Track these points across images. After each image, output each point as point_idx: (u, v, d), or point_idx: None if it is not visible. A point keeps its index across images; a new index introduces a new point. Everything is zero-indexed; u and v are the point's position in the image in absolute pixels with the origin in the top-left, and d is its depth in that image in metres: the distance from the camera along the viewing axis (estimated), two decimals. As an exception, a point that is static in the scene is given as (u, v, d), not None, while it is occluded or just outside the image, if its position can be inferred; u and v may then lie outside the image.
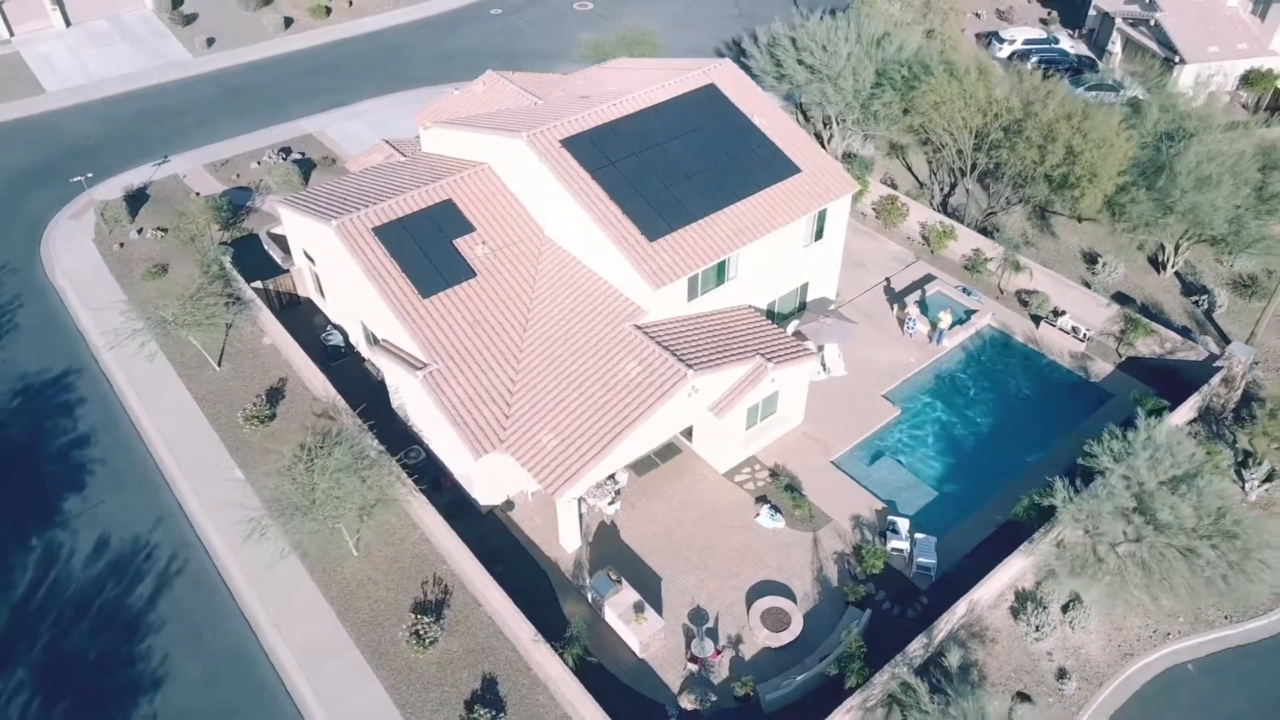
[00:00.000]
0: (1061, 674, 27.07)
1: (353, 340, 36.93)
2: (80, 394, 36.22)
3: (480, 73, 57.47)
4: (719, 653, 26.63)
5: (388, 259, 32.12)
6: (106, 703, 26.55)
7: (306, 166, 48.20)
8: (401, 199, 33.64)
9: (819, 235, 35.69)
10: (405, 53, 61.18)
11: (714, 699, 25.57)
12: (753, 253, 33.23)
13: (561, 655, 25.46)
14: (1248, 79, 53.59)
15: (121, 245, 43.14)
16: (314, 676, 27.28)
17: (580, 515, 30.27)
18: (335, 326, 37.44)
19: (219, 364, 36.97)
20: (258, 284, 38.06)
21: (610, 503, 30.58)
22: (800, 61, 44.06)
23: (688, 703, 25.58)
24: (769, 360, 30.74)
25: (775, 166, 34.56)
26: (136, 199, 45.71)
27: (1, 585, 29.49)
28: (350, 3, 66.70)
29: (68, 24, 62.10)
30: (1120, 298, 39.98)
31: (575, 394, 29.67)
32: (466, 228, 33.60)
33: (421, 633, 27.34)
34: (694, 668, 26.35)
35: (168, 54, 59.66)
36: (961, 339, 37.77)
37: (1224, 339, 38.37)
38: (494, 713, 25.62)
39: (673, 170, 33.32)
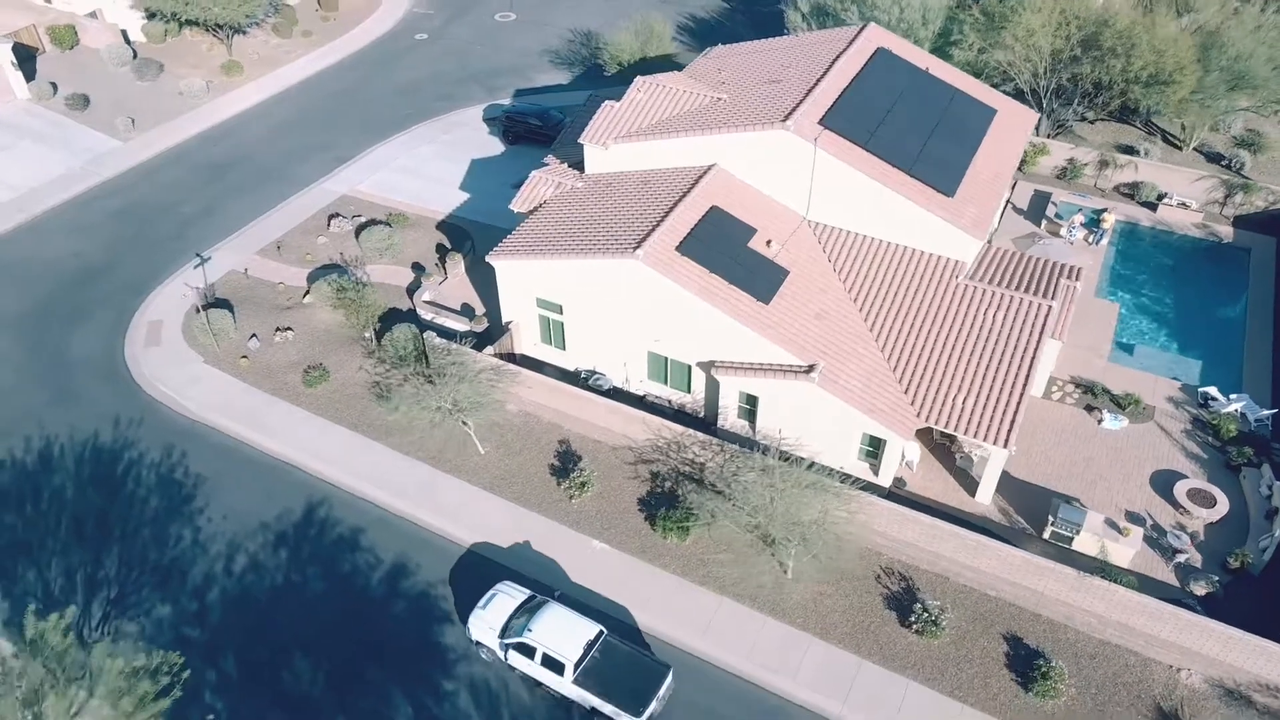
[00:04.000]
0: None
1: (619, 380, 34.49)
2: (351, 523, 30.89)
3: (457, 99, 54.80)
4: (1192, 542, 28.88)
5: (710, 275, 30.59)
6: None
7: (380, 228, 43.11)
8: (674, 216, 31.94)
9: (1011, 167, 38.45)
10: (360, 94, 55.83)
11: (1216, 579, 27.86)
12: (997, 191, 35.29)
13: (1119, 582, 26.47)
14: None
15: (246, 358, 36.62)
16: (847, 700, 26.21)
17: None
18: (590, 371, 34.75)
19: (481, 447, 33.05)
20: (490, 349, 34.27)
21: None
22: (865, 18, 46.22)
23: (1199, 590, 27.64)
24: (1071, 280, 33.11)
25: (979, 111, 36.75)
26: (217, 305, 38.79)
27: (464, 744, 25.19)
28: (257, 54, 59.33)
29: (-77, 136, 50.09)
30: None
31: (955, 355, 30.30)
32: (748, 229, 32.64)
33: (934, 618, 27.10)
34: (1181, 559, 28.41)
35: (90, 145, 50.05)
36: (1108, 237, 42.30)
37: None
38: (1044, 660, 26.18)
39: (914, 131, 34.42)
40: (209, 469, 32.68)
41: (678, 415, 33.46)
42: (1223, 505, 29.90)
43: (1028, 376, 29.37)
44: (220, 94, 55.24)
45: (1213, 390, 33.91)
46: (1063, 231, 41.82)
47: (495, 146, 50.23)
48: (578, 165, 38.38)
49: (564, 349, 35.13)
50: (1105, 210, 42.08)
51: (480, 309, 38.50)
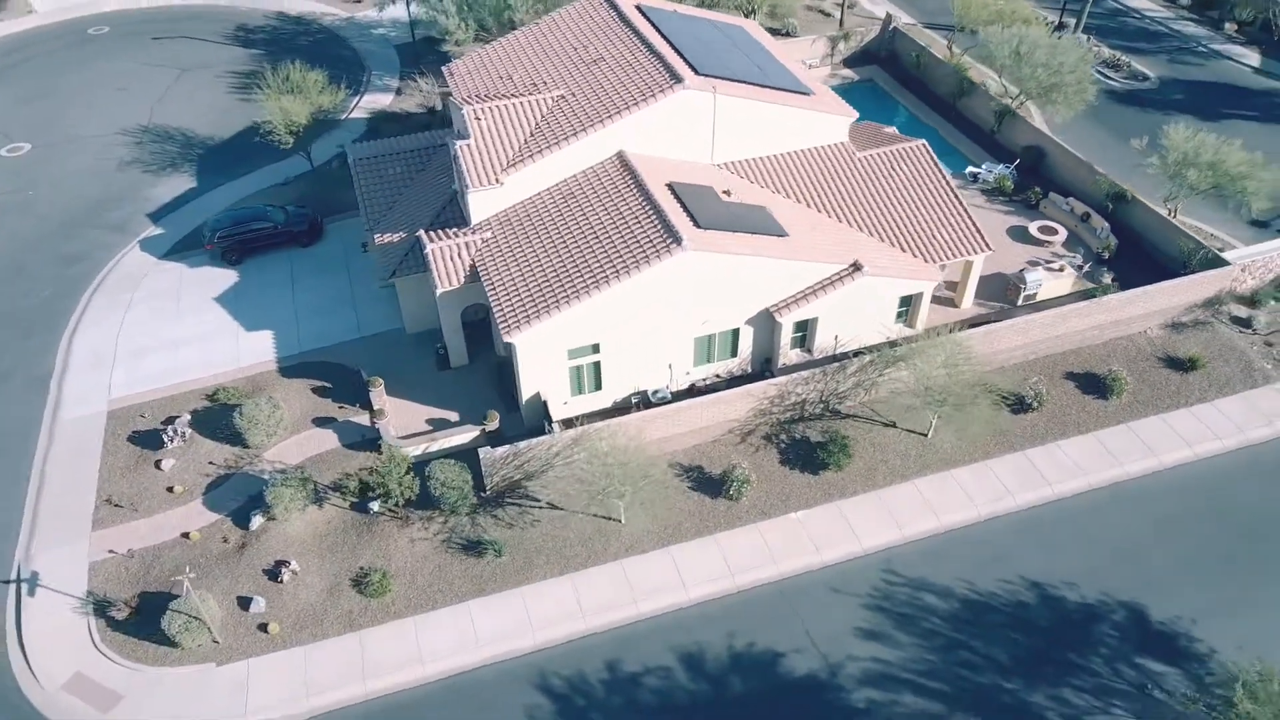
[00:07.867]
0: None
1: (665, 384, 33.38)
2: (595, 668, 26.29)
3: (92, 256, 44.38)
4: (1083, 262, 39.14)
5: (740, 235, 31.42)
6: None
7: (224, 414, 33.24)
8: (660, 203, 31.50)
9: (758, 69, 44.22)
10: (26, 269, 40.21)
11: (1104, 268, 38.65)
12: (796, 82, 40.85)
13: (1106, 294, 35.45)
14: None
15: (265, 626, 26.96)
16: (1048, 482, 31.76)
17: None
18: (642, 392, 32.98)
19: (624, 517, 30.00)
20: (555, 425, 30.36)
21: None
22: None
23: (1108, 279, 38.07)
24: (889, 129, 40.74)
25: (736, 30, 41.30)
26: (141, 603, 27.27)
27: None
28: None
29: None
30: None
31: (903, 207, 35.99)
32: (709, 189, 33.59)
33: (1040, 393, 33.60)
34: (1084, 269, 38.62)
35: None
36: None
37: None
38: (1102, 376, 34.62)
39: (738, 58, 37.83)
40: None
41: (738, 379, 34.00)
42: (1062, 229, 40.99)
43: (958, 196, 36.40)
44: None
45: (972, 168, 44.97)
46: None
47: (219, 275, 40.61)
48: (442, 224, 34.33)
49: (600, 389, 32.70)
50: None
51: (452, 416, 33.18)
